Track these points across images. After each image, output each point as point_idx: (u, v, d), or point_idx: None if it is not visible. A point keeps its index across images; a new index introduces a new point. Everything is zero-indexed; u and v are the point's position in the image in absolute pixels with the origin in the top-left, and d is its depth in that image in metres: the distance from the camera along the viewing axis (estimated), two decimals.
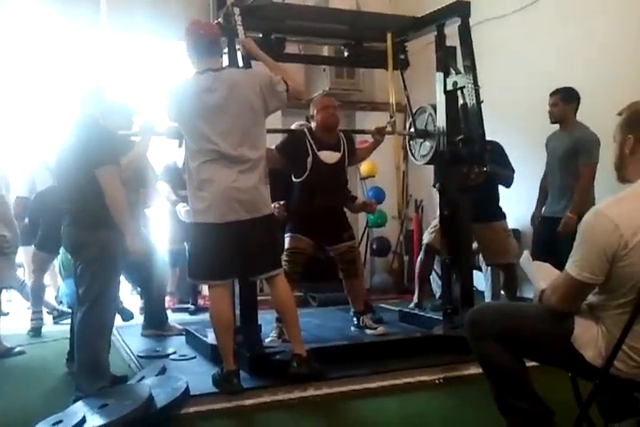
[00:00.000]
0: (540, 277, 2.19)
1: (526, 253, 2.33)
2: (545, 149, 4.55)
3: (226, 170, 3.01)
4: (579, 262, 1.92)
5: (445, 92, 4.01)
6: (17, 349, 4.23)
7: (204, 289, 6.26)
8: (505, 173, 4.60)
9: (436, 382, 3.37)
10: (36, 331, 4.77)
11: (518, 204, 4.89)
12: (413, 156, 4.44)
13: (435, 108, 4.13)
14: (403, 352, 3.62)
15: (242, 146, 3.03)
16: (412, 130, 4.33)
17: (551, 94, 4.40)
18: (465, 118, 3.89)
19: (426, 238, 4.84)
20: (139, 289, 5.31)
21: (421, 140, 4.27)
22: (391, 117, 6.98)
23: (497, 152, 4.51)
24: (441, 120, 4.05)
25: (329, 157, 3.95)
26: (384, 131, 4.20)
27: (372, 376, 3.31)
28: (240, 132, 3.03)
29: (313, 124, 4.02)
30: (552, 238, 4.15)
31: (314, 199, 3.93)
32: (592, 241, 1.90)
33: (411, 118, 4.39)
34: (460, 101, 3.94)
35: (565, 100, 4.32)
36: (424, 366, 3.46)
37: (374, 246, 6.78)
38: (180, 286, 5.79)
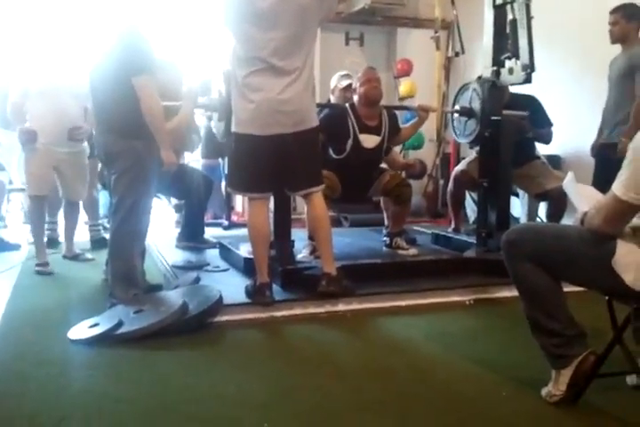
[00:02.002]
0: (583, 199, 2.12)
1: (570, 175, 2.25)
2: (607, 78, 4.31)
3: (273, 80, 2.93)
4: (626, 182, 1.85)
5: (494, 6, 3.80)
6: (85, 255, 4.42)
7: (238, 205, 6.33)
8: (544, 132, 4.40)
9: (467, 302, 3.39)
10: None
11: (561, 129, 4.72)
12: (456, 134, 4.32)
13: (480, 83, 3.97)
14: (434, 273, 3.63)
15: (291, 56, 2.94)
16: (457, 107, 4.19)
17: (611, 12, 4.13)
18: (513, 35, 3.70)
19: (460, 166, 4.70)
20: (173, 203, 5.37)
21: (465, 118, 4.12)
22: (435, 33, 6.72)
23: (534, 108, 4.30)
24: (487, 37, 3.86)
25: (369, 140, 3.96)
26: (429, 108, 4.23)
27: (402, 295, 3.34)
28: (289, 40, 2.93)
29: (355, 98, 3.99)
30: (608, 166, 4.00)
31: (347, 177, 3.92)
32: None
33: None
34: (509, 17, 3.73)
35: (627, 18, 4.05)
36: (455, 287, 3.47)
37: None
38: (214, 202, 5.83)
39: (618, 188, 1.87)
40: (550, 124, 4.44)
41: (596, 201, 2.00)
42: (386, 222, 4.28)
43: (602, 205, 1.94)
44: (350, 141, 3.90)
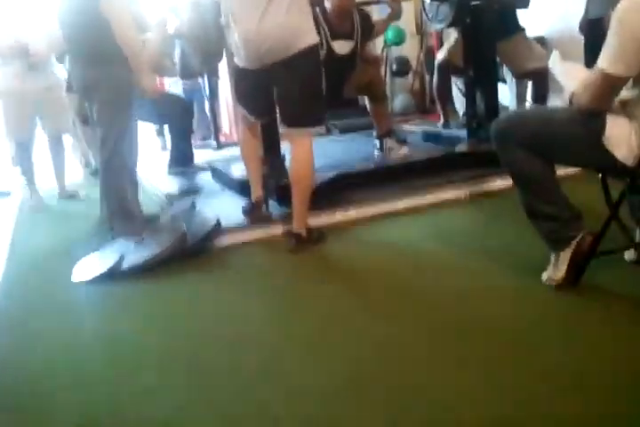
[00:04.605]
0: (570, 78, 2.06)
1: (556, 53, 2.18)
2: None
3: (249, 8, 2.66)
4: (611, 54, 1.79)
5: None
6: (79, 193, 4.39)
7: (225, 126, 6.21)
8: None
9: (463, 197, 3.38)
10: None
11: (545, 10, 4.52)
12: (429, 19, 4.12)
13: None
14: (428, 171, 3.59)
15: None
16: None
17: None
18: None
19: (440, 55, 4.53)
20: (161, 129, 5.28)
21: (438, 2, 3.90)
22: None
23: None
24: None
25: (342, 46, 3.77)
26: None
27: (399, 198, 3.33)
28: None
29: (327, 6, 3.73)
30: (600, 43, 3.83)
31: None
32: (626, 28, 1.76)
33: None
34: None
35: None
36: (449, 182, 3.45)
37: (393, 67, 6.49)
38: (200, 123, 5.72)
39: (603, 62, 1.81)
40: None
41: (583, 79, 1.94)
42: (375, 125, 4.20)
43: (589, 82, 1.89)
44: (324, 50, 3.66)
